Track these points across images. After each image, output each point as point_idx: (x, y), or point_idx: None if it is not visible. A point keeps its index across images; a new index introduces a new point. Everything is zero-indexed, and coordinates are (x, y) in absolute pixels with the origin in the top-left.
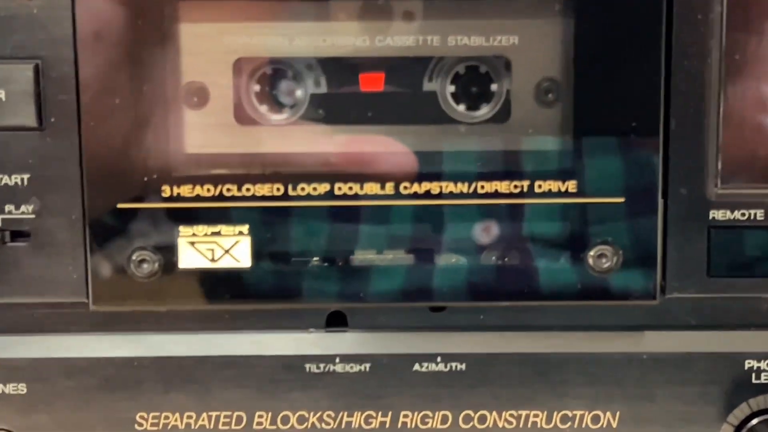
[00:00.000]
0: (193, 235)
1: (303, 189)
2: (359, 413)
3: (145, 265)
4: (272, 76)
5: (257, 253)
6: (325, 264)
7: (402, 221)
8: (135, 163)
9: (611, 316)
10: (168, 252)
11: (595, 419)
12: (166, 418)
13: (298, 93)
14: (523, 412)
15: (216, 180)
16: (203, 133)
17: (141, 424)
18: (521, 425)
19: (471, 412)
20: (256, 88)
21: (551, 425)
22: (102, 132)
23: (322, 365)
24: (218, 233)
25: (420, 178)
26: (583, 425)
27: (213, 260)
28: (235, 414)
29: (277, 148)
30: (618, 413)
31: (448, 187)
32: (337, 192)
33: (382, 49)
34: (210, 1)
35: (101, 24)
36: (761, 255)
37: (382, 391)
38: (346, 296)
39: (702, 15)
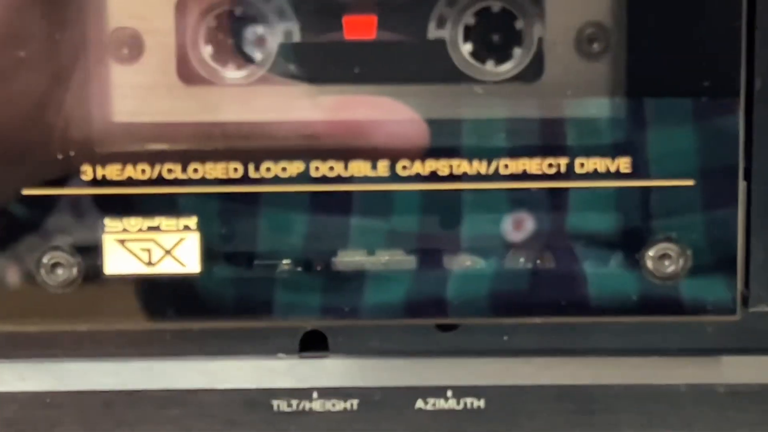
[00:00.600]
0: (124, 230)
1: (269, 169)
2: None
3: (59, 271)
4: (228, 19)
5: (209, 255)
6: (299, 269)
7: (401, 212)
8: (46, 135)
9: (677, 337)
10: (90, 253)
11: None
12: None
13: (263, 43)
14: None
15: (153, 158)
16: (136, 95)
17: None
18: None
19: None
20: (207, 36)
21: None
22: (3, 93)
23: (294, 402)
24: (157, 228)
25: (425, 154)
26: None
27: (150, 264)
28: None
29: (234, 115)
30: None
31: (462, 166)
32: (313, 173)
33: None
34: None
35: None
36: None
37: None
38: (327, 311)
39: None
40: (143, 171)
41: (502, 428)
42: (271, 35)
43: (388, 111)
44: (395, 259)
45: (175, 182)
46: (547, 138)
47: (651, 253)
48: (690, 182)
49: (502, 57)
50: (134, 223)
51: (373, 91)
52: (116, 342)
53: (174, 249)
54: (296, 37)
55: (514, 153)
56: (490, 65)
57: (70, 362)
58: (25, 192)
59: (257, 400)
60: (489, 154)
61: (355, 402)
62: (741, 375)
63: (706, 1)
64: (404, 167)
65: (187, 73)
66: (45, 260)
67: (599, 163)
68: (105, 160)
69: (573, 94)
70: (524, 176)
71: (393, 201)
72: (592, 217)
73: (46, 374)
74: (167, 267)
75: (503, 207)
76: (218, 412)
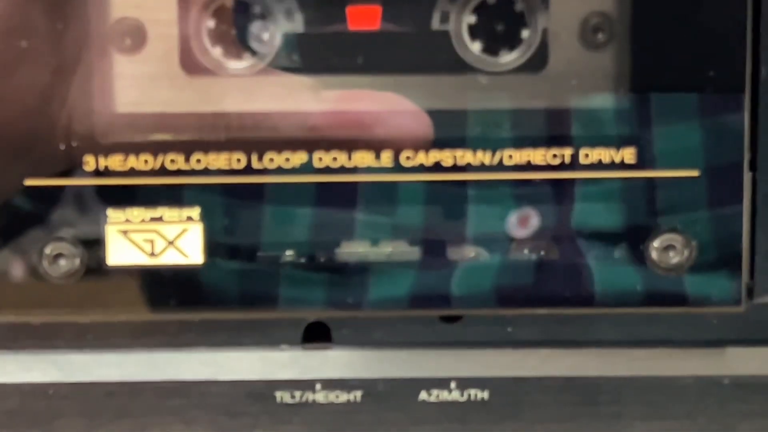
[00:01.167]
0: (127, 221)
1: (272, 160)
2: None
3: (62, 262)
4: (231, 10)
5: (212, 246)
6: (303, 260)
7: (404, 203)
8: (49, 126)
9: (682, 329)
10: (93, 244)
11: None
12: None
13: (266, 33)
14: None
15: (156, 148)
16: (139, 85)
17: None
18: None
19: None
20: (210, 25)
21: None
22: (5, 85)
23: (297, 393)
24: (160, 219)
25: (428, 145)
26: None
27: (153, 255)
28: None
29: (237, 105)
30: None
31: (465, 157)
32: (317, 164)
33: None
34: None
35: None
36: None
37: (378, 427)
38: (330, 302)
39: None
40: (146, 162)
41: (506, 419)
42: (275, 26)
43: (390, 105)
44: (399, 251)
45: (178, 173)
46: (552, 129)
47: (656, 244)
48: (695, 173)
49: (507, 47)
50: (137, 214)
51: (377, 81)
52: (119, 333)
53: (177, 240)
54: (299, 28)
55: (519, 144)
56: (494, 56)
57: (72, 353)
58: (28, 183)
59: (260, 391)
60: (492, 145)
61: (359, 393)
62: (746, 366)
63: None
64: (407, 158)
65: (190, 64)
66: (48, 251)
67: (603, 154)
68: (108, 150)
69: (577, 85)
70: (527, 167)
71: (397, 192)
72: (597, 208)
73: (48, 365)
74: (170, 258)
75: (507, 198)
76: (221, 404)
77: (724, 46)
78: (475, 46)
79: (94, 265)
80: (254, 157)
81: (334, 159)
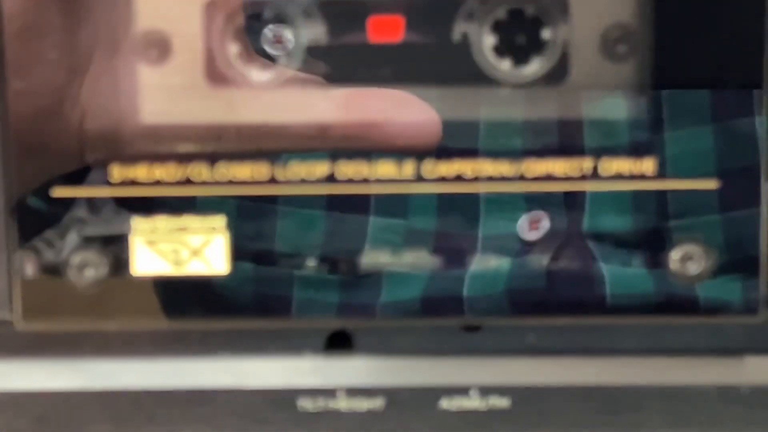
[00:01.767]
0: (152, 231)
1: (295, 171)
2: None
3: (88, 271)
4: (255, 22)
5: (236, 255)
6: (325, 269)
7: (425, 213)
8: (75, 136)
9: (700, 337)
10: (118, 253)
11: None
12: None
13: (290, 44)
14: None
15: (181, 159)
16: (164, 96)
17: None
18: None
19: None
20: (234, 38)
21: None
22: (32, 95)
23: (320, 401)
24: (184, 229)
25: (449, 156)
26: None
27: (177, 264)
28: None
29: (261, 116)
30: None
31: (486, 167)
32: (339, 175)
33: None
34: None
35: None
36: None
37: None
38: (352, 311)
39: None
40: (171, 172)
41: (527, 427)
42: (297, 38)
43: (400, 103)
44: (418, 259)
45: (202, 183)
46: (571, 140)
47: (674, 254)
48: (713, 183)
49: (526, 59)
50: (162, 223)
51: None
52: (144, 341)
53: (202, 250)
54: (322, 39)
55: (537, 155)
56: (515, 67)
57: (98, 361)
58: (54, 192)
59: (283, 398)
60: (512, 155)
61: (381, 401)
62: (765, 375)
63: (732, 4)
64: (429, 169)
65: (214, 75)
66: (73, 260)
67: (623, 165)
68: (133, 160)
69: (598, 96)
70: (547, 178)
71: (416, 202)
72: (615, 218)
73: (75, 373)
74: (195, 268)
75: (525, 207)
76: (245, 411)
77: (745, 59)
78: (497, 58)
79: (120, 274)
80: (278, 168)
81: (357, 170)
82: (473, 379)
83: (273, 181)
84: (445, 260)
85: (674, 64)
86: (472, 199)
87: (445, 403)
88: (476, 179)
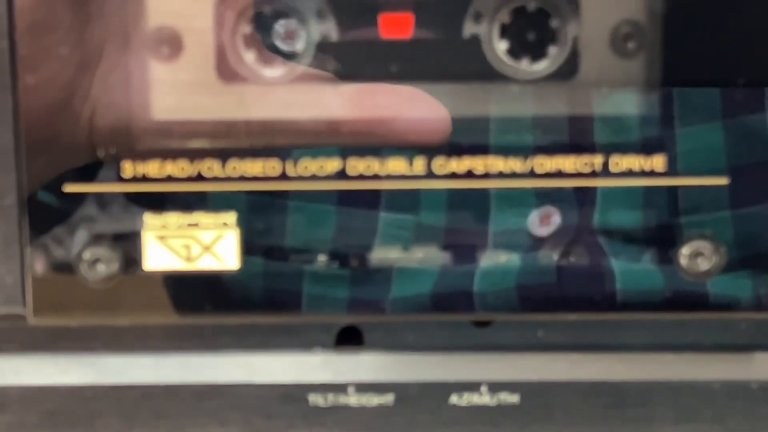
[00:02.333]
0: (163, 227)
1: (306, 167)
2: None
3: (100, 266)
4: (265, 18)
5: (247, 251)
6: (335, 264)
7: (435, 209)
8: (87, 132)
9: (710, 334)
10: (130, 249)
11: None
12: None
13: (300, 41)
14: None
15: (193, 155)
16: (175, 93)
17: None
18: None
19: None
20: (245, 34)
21: None
22: (44, 92)
23: (330, 396)
24: (196, 225)
25: (460, 152)
26: None
27: (189, 260)
28: None
29: (272, 112)
30: None
31: (497, 164)
32: (350, 171)
33: None
34: None
35: None
36: None
37: (410, 429)
38: (362, 306)
39: None
40: (182, 168)
41: (536, 423)
42: (308, 34)
43: (410, 99)
44: (429, 255)
45: (214, 179)
46: (581, 136)
47: (684, 251)
48: (723, 180)
49: (538, 55)
50: (173, 219)
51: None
52: (155, 336)
53: (213, 245)
54: (332, 36)
55: (548, 151)
56: (525, 64)
57: (110, 356)
58: (67, 188)
59: (293, 394)
60: (522, 152)
61: (391, 397)
62: None
63: (742, 0)
64: (440, 165)
65: (225, 71)
66: (85, 256)
67: (633, 162)
68: (145, 156)
69: (608, 93)
70: (557, 174)
71: (427, 198)
72: (624, 214)
73: (86, 368)
74: (206, 263)
75: (535, 204)
76: (256, 406)
77: (755, 55)
78: (507, 55)
79: (131, 270)
80: (289, 164)
81: (368, 166)
82: (483, 375)
83: (284, 177)
84: (456, 256)
85: (684, 61)
86: (483, 194)
87: (455, 399)
88: (486, 175)
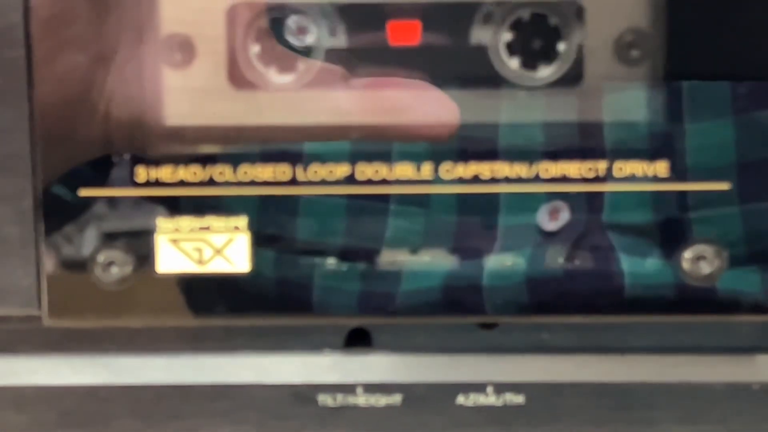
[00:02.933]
0: (176, 230)
1: (316, 172)
2: None
3: (113, 269)
4: (276, 26)
5: (258, 254)
6: (344, 267)
7: (443, 212)
8: (101, 137)
9: (712, 336)
10: (143, 252)
11: None
12: None
13: (310, 48)
14: None
15: (205, 160)
16: (188, 99)
17: None
18: None
19: None
20: (256, 42)
21: None
22: (60, 98)
23: (339, 396)
24: (207, 228)
25: (466, 157)
26: None
27: (201, 262)
28: None
29: (282, 118)
30: None
31: (503, 169)
32: (359, 175)
33: None
34: None
35: None
36: None
37: (417, 429)
38: (371, 308)
39: None
40: (194, 173)
41: (541, 424)
42: (318, 41)
43: (419, 91)
44: (436, 258)
45: (225, 184)
46: (586, 142)
47: (687, 254)
48: (725, 185)
49: (542, 63)
50: (186, 223)
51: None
52: (168, 337)
53: (224, 248)
54: (341, 43)
55: (553, 157)
56: (530, 71)
57: (124, 357)
58: (82, 192)
59: (303, 394)
60: (528, 157)
61: (399, 397)
62: None
63: (746, 8)
64: (447, 170)
65: (237, 78)
66: (99, 259)
67: (637, 167)
68: (158, 161)
69: (612, 99)
70: (563, 179)
71: (434, 202)
72: (635, 209)
73: (100, 368)
74: (217, 266)
75: (547, 199)
76: (266, 406)
77: (758, 63)
78: (513, 62)
79: (144, 272)
80: (299, 169)
81: (376, 171)
82: (489, 376)
83: (294, 181)
84: (465, 250)
85: (687, 68)
86: (490, 200)
87: (462, 399)
88: (493, 180)
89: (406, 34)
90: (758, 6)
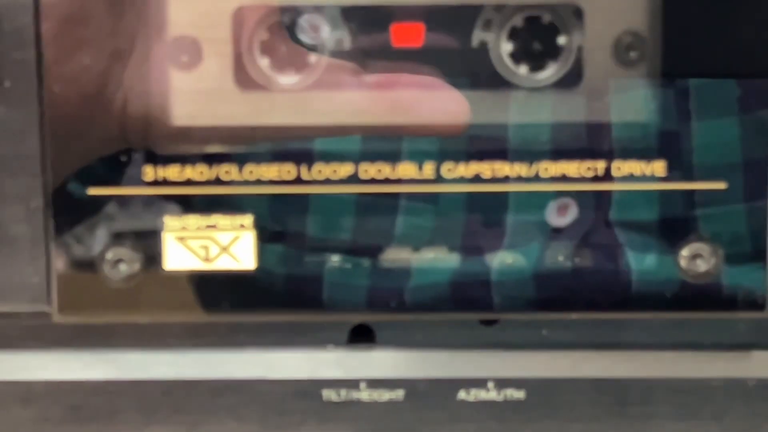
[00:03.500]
0: (183, 228)
1: (320, 171)
2: None
3: (122, 266)
4: (281, 28)
5: (266, 251)
6: (348, 265)
7: (446, 211)
8: (109, 138)
9: (709, 332)
10: (151, 250)
11: None
12: None
13: (315, 50)
14: None
15: (211, 159)
16: (195, 100)
17: None
18: None
19: None
20: (261, 44)
21: None
22: (69, 99)
23: (343, 392)
24: (214, 226)
25: (468, 157)
26: None
27: (207, 260)
28: None
29: (287, 118)
30: None
31: (504, 169)
32: (363, 175)
33: None
34: None
35: None
36: None
37: (419, 425)
38: (374, 305)
39: None
40: (201, 172)
41: (541, 419)
42: (323, 43)
43: (430, 86)
44: (439, 256)
45: (231, 183)
46: (585, 142)
47: (684, 252)
48: (721, 184)
49: (542, 64)
50: (192, 221)
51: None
52: (175, 333)
53: (230, 246)
54: (346, 45)
55: (552, 157)
56: (531, 72)
57: (131, 352)
58: (90, 191)
59: (307, 389)
60: (528, 157)
61: (401, 392)
62: None
63: (743, 11)
64: (449, 170)
65: (243, 79)
66: (108, 256)
67: (635, 167)
68: (165, 161)
69: (610, 100)
70: (562, 179)
71: (437, 201)
72: (642, 206)
73: (108, 364)
74: (223, 263)
75: (541, 207)
76: (271, 401)
77: (754, 65)
78: (514, 64)
79: (152, 269)
80: (304, 168)
81: (379, 170)
82: (490, 372)
83: (299, 180)
84: (474, 247)
85: (683, 70)
86: (492, 199)
87: (463, 395)
88: (494, 179)
89: (409, 36)
90: (755, 7)
